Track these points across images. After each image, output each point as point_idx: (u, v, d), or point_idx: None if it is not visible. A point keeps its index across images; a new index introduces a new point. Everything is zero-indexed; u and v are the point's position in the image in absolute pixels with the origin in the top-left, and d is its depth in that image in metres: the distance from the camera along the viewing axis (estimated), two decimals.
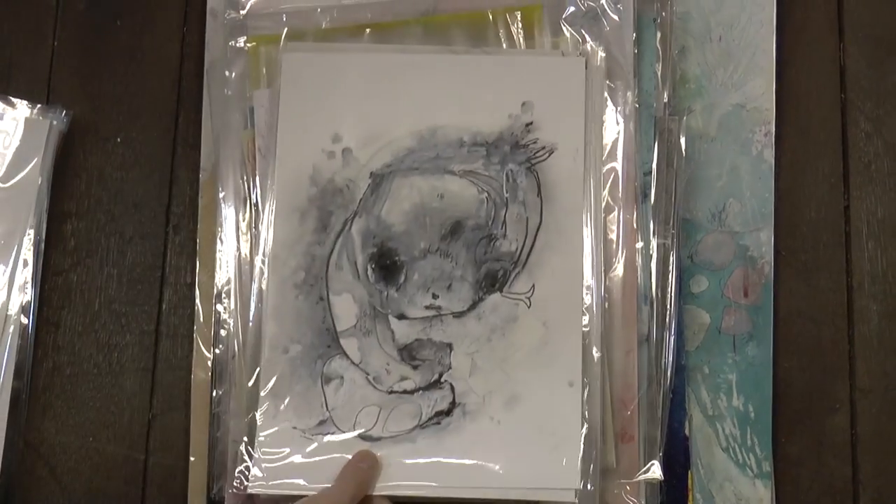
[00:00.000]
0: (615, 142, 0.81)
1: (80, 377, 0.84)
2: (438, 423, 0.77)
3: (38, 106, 0.86)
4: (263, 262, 0.81)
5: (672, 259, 0.80)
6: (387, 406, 0.77)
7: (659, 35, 0.83)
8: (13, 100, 0.86)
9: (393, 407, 0.77)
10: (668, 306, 0.80)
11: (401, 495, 0.76)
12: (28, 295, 0.83)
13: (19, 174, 0.84)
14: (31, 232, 0.84)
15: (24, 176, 0.84)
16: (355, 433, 0.77)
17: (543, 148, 0.80)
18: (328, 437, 0.77)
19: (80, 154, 0.87)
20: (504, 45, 0.83)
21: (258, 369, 0.79)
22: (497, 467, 0.76)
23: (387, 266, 0.79)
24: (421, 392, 0.78)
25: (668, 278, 0.80)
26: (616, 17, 0.82)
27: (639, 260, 0.80)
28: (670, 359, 0.79)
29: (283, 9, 0.85)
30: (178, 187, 0.86)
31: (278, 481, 0.77)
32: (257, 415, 0.78)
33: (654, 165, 0.81)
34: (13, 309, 0.83)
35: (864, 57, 0.85)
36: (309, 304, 0.79)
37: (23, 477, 0.82)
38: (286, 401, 0.78)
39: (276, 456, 0.77)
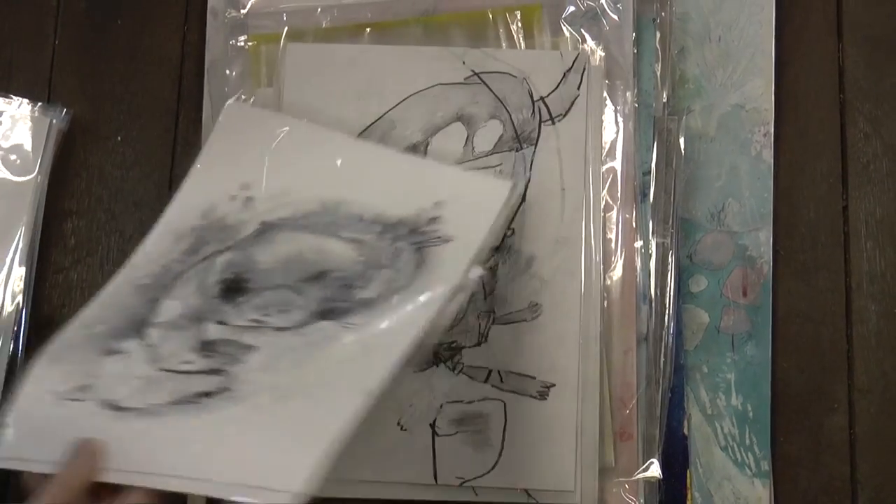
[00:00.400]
0: (614, 141, 0.81)
1: None
2: (197, 402, 0.69)
3: (39, 104, 0.86)
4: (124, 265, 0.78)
5: (671, 258, 0.81)
6: (152, 381, 0.71)
7: (658, 35, 0.83)
8: (14, 98, 0.86)
9: (157, 382, 0.71)
10: (667, 306, 0.80)
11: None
12: (24, 293, 0.83)
13: (19, 172, 0.85)
14: (30, 230, 0.84)
15: (23, 174, 0.84)
16: (105, 400, 0.70)
17: (439, 237, 0.75)
18: (76, 404, 0.70)
19: (80, 153, 0.87)
20: (504, 45, 0.83)
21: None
22: (230, 456, 0.67)
23: (232, 288, 0.76)
24: (197, 375, 0.71)
25: (667, 278, 0.80)
26: (615, 17, 0.83)
27: (638, 259, 0.80)
28: (669, 358, 0.79)
29: (284, 8, 0.85)
30: (179, 186, 0.86)
31: (27, 453, 0.70)
32: (28, 377, 0.72)
33: (654, 165, 0.81)
34: (8, 306, 0.83)
35: (863, 58, 0.86)
36: (139, 301, 0.76)
37: (24, 476, 0.82)
38: (59, 365, 0.72)
39: (26, 422, 0.70)
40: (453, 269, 0.72)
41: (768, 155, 0.84)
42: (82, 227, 0.86)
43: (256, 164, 0.80)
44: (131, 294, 0.76)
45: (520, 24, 0.83)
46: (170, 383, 0.70)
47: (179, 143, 0.87)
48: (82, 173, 0.87)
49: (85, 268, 0.86)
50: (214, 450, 0.67)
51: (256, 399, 0.69)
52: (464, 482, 0.78)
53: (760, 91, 0.84)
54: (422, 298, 0.72)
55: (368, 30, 0.84)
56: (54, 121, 0.86)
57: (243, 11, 0.86)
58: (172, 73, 0.88)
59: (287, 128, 0.81)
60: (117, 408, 0.69)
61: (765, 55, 0.85)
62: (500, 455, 0.78)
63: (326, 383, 0.69)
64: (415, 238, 0.75)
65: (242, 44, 0.85)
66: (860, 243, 0.83)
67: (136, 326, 0.74)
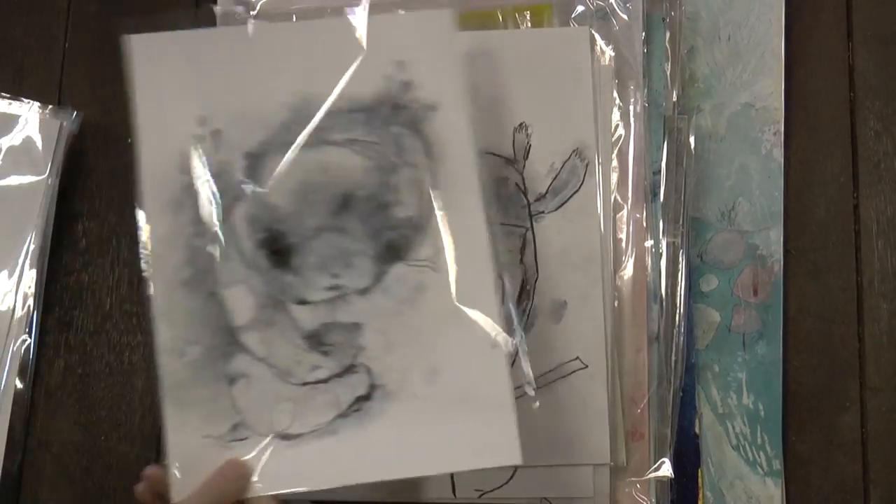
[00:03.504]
0: (625, 141, 0.81)
1: (92, 377, 0.84)
2: (359, 409, 0.70)
3: (50, 107, 0.87)
4: (147, 261, 0.73)
5: (682, 258, 0.81)
6: (301, 400, 0.71)
7: (668, 34, 0.83)
8: (25, 101, 0.87)
9: (308, 399, 0.71)
10: (678, 305, 0.80)
11: (323, 489, 0.70)
12: (34, 295, 0.83)
13: (29, 176, 0.85)
14: (41, 232, 0.84)
15: (34, 177, 0.85)
16: (272, 433, 0.70)
17: (425, 106, 0.74)
18: (243, 443, 0.70)
19: (91, 155, 0.88)
20: None
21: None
22: (429, 449, 0.70)
23: (278, 250, 0.72)
24: (336, 379, 0.71)
25: (677, 277, 0.80)
26: (625, 17, 0.83)
27: (648, 259, 0.80)
28: (680, 357, 0.79)
29: (294, 9, 0.85)
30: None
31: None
32: (165, 428, 0.71)
33: (664, 164, 0.81)
34: (19, 309, 0.83)
35: (873, 56, 0.85)
36: (200, 301, 0.72)
37: (35, 476, 0.83)
38: (192, 408, 0.71)
39: (193, 469, 0.70)
40: (460, 148, 0.73)
41: (778, 154, 0.83)
42: (93, 230, 0.86)
43: (201, 90, 0.75)
44: (186, 296, 0.72)
45: (529, 25, 0.83)
46: (320, 397, 0.71)
47: None
48: (93, 175, 0.87)
49: (96, 270, 0.86)
50: (403, 449, 0.70)
51: (409, 388, 0.70)
52: (483, 494, 0.77)
53: (770, 90, 0.84)
54: (460, 203, 0.72)
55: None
56: (65, 123, 0.86)
57: (253, 13, 0.86)
58: None
59: (209, 38, 0.77)
60: (289, 436, 0.70)
61: (774, 54, 0.85)
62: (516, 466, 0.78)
63: (455, 349, 0.71)
64: (402, 116, 0.74)
65: None
66: (871, 242, 0.83)
67: (227, 339, 0.72)
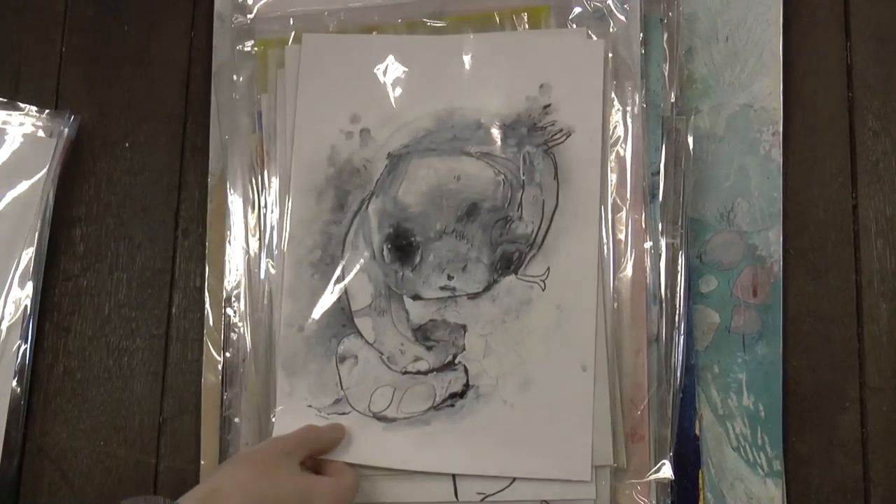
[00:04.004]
0: (623, 142, 0.81)
1: (91, 381, 0.84)
2: (452, 405, 0.78)
3: (47, 112, 0.87)
4: (273, 247, 0.82)
5: (681, 259, 0.80)
6: (401, 386, 0.78)
7: (666, 35, 0.83)
8: (21, 106, 0.87)
9: (407, 388, 0.78)
10: (678, 306, 0.80)
11: (415, 470, 0.77)
12: (30, 300, 0.83)
13: (26, 180, 0.85)
14: (38, 237, 0.84)
15: (31, 181, 0.85)
16: (370, 413, 0.78)
17: (561, 131, 0.80)
18: (343, 417, 0.78)
19: (88, 159, 0.87)
20: None
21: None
22: (509, 453, 0.76)
23: (402, 246, 0.80)
24: (435, 373, 0.78)
25: (677, 278, 0.80)
26: (623, 18, 0.82)
27: (647, 260, 0.80)
28: (680, 358, 0.79)
29: (291, 12, 0.85)
30: (187, 191, 0.87)
31: None
32: (276, 392, 0.79)
33: (662, 165, 0.81)
34: (17, 313, 0.83)
35: (871, 56, 0.85)
36: (324, 283, 0.80)
37: (34, 481, 0.82)
38: (301, 379, 0.79)
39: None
40: (587, 175, 0.79)
41: (777, 154, 0.83)
42: (91, 234, 0.86)
43: (357, 91, 0.82)
44: (312, 275, 0.80)
45: (527, 26, 0.83)
46: (419, 386, 0.78)
47: (187, 148, 0.87)
48: (90, 180, 0.87)
49: (94, 274, 0.86)
50: (485, 449, 0.76)
51: (500, 393, 0.77)
52: (485, 497, 0.77)
53: (768, 90, 0.84)
54: (576, 228, 0.78)
55: (375, 33, 0.84)
56: (62, 128, 0.86)
57: (250, 16, 0.86)
58: (180, 78, 0.88)
59: (371, 45, 0.83)
60: (386, 419, 0.78)
61: (772, 54, 0.85)
62: None
63: (548, 366, 0.77)
64: (537, 137, 0.79)
65: (249, 49, 0.85)
66: (870, 241, 0.83)
67: (342, 320, 0.79)
